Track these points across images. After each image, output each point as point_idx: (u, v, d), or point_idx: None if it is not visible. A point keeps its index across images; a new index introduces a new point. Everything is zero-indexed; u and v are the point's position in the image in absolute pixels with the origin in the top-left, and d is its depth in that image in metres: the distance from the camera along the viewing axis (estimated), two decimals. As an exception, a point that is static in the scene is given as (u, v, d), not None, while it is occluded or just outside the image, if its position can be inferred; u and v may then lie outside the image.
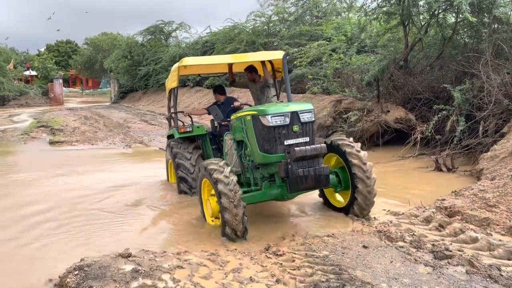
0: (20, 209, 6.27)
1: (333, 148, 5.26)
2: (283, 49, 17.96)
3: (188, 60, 6.01)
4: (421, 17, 11.30)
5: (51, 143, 12.48)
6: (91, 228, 5.35)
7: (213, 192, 4.76)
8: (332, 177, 5.17)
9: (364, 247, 4.16)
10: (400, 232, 4.52)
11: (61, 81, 37.40)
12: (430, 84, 10.49)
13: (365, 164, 5.03)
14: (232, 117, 5.53)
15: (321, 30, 18.13)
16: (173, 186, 6.99)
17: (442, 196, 5.55)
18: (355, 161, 5.03)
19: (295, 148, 4.51)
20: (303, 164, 4.55)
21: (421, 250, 4.04)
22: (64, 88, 52.90)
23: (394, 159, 9.13)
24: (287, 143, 4.66)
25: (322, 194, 5.81)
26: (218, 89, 7.09)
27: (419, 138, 9.33)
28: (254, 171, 5.21)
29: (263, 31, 20.75)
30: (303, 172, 4.52)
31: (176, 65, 6.36)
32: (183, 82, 26.11)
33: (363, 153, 5.13)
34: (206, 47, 25.13)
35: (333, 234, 4.61)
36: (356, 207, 5.14)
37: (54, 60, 64.06)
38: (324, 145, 4.74)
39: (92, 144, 12.17)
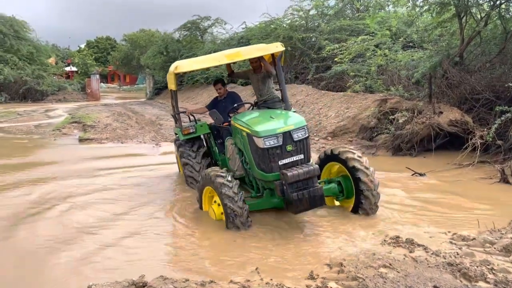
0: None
1: (335, 157, 5.36)
2: (322, 45, 17.08)
3: (182, 67, 5.95)
4: (480, 8, 10.15)
5: (80, 140, 12.12)
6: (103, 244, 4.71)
7: (215, 199, 5.08)
8: (333, 186, 5.36)
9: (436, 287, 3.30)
10: (477, 267, 3.61)
11: (98, 76, 37.78)
12: (490, 82, 9.32)
13: (368, 168, 5.10)
14: (232, 121, 5.54)
15: (363, 25, 17.06)
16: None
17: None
18: (358, 165, 5.09)
19: (288, 174, 4.58)
20: (298, 185, 4.63)
21: (510, 295, 3.15)
22: (102, 83, 54.01)
23: (450, 167, 8.08)
24: (282, 163, 4.76)
25: None
26: (219, 82, 6.95)
27: (478, 143, 8.24)
28: (255, 179, 5.31)
29: (301, 26, 19.83)
30: (297, 196, 4.58)
31: (171, 70, 6.19)
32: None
33: (364, 159, 5.22)
34: (242, 43, 24.42)
35: (390, 265, 3.75)
36: (361, 212, 5.20)
37: (93, 56, 65.45)
38: (317, 166, 4.80)
39: (122, 143, 11.71)
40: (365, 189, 5.08)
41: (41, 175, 7.93)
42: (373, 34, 15.31)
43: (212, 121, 6.38)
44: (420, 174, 7.44)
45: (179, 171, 7.83)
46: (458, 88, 9.76)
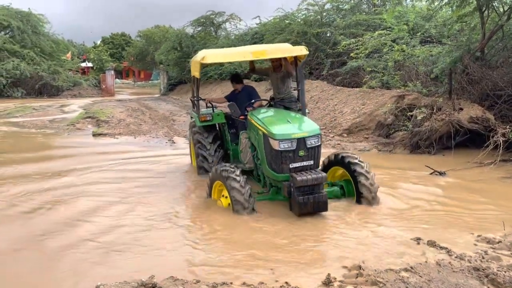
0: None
1: (338, 162, 5.64)
2: (338, 40, 16.80)
3: (208, 58, 5.95)
4: (502, 2, 9.79)
5: (94, 135, 12.11)
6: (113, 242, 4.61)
7: (223, 193, 5.33)
8: (336, 189, 5.63)
9: (461, 294, 3.11)
10: (505, 272, 3.40)
11: (112, 72, 37.93)
12: (514, 78, 8.99)
13: (368, 173, 5.36)
14: (248, 116, 5.77)
15: (380, 19, 16.72)
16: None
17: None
18: (359, 169, 5.35)
19: (297, 178, 4.80)
20: (304, 190, 4.86)
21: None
22: (117, 79, 54.29)
23: (470, 166, 7.80)
24: (292, 166, 5.00)
25: None
26: (235, 78, 7.26)
27: (500, 141, 7.94)
28: (263, 175, 5.60)
29: (316, 21, 19.52)
30: (303, 199, 4.84)
31: (197, 58, 6.22)
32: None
33: (366, 163, 5.47)
34: (256, 39, 24.23)
35: (411, 268, 3.57)
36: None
37: (108, 52, 65.89)
38: (325, 174, 5.03)
39: (135, 138, 11.66)
40: (365, 192, 5.32)
41: (46, 170, 7.90)
42: (389, 29, 14.98)
43: (228, 111, 6.68)
44: (440, 173, 7.18)
45: (191, 162, 7.98)
46: (479, 84, 9.43)
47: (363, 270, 3.53)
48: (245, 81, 7.72)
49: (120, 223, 5.08)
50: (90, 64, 61.39)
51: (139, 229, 4.86)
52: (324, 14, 19.71)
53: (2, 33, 32.86)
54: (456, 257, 3.83)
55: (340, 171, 5.74)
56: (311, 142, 5.05)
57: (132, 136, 11.80)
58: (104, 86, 35.85)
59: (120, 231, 4.83)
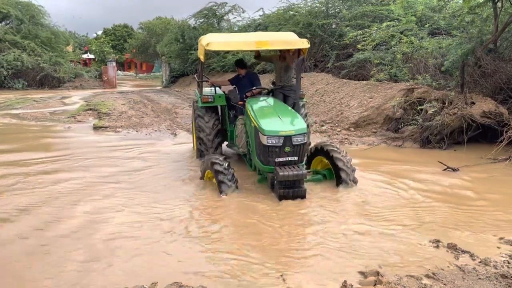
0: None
1: (321, 151, 6.12)
2: (344, 32, 16.44)
3: (212, 46, 6.15)
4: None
5: (95, 128, 11.82)
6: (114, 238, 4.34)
7: (213, 180, 5.78)
8: (320, 177, 6.14)
9: (491, 306, 2.86)
10: (536, 280, 3.15)
11: (114, 64, 37.55)
12: (528, 71, 8.69)
13: (345, 157, 5.84)
14: (246, 104, 6.18)
15: (387, 11, 16.33)
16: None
17: None
18: (336, 155, 5.81)
19: (280, 173, 5.19)
20: (286, 184, 5.28)
21: None
22: (118, 71, 53.93)
23: (484, 161, 7.54)
24: (278, 160, 5.42)
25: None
26: (239, 63, 7.63)
27: (515, 136, 7.67)
28: None
29: (321, 12, 19.12)
30: (283, 192, 5.29)
31: (203, 43, 6.39)
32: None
33: (343, 150, 5.98)
34: (259, 30, 23.87)
35: (434, 275, 3.32)
36: (343, 185, 5.77)
37: (110, 44, 65.46)
38: (306, 171, 5.43)
39: (137, 131, 11.39)
40: (343, 175, 5.74)
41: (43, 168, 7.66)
42: (397, 20, 14.62)
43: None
44: (453, 169, 6.90)
45: (193, 147, 8.32)
46: (493, 77, 9.13)
47: (382, 276, 3.28)
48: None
49: (120, 225, 4.82)
50: (92, 56, 61.04)
51: (138, 231, 4.60)
52: (330, 5, 19.31)
53: (3, 23, 32.52)
54: (480, 262, 3.58)
55: (324, 160, 6.15)
56: (297, 140, 5.42)
57: (134, 130, 11.52)
58: (105, 78, 35.50)
59: (120, 232, 4.57)
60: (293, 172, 5.19)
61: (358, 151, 8.62)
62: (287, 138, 5.34)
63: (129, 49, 60.80)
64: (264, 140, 5.35)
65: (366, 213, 4.94)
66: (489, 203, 5.36)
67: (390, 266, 3.54)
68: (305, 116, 7.21)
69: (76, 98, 22.18)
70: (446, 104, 9.10)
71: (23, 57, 29.33)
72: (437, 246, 3.95)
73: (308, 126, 6.50)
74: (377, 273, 3.34)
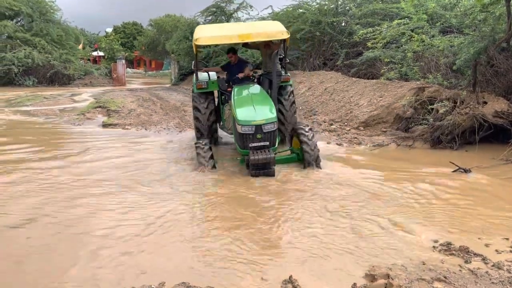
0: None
1: (295, 132, 6.94)
2: (353, 29, 16.30)
3: (201, 40, 7.30)
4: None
5: (104, 125, 11.88)
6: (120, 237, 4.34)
7: None
8: (294, 156, 7.03)
9: (505, 311, 2.79)
10: (551, 286, 3.08)
11: (123, 61, 37.69)
12: (542, 71, 8.53)
13: (310, 140, 6.63)
14: (232, 91, 7.29)
15: (397, 8, 16.16)
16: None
17: None
18: (302, 138, 6.63)
19: (251, 157, 6.15)
20: (258, 166, 6.21)
21: None
22: (128, 69, 54.10)
23: (496, 162, 7.42)
24: (252, 145, 6.38)
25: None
26: (231, 50, 8.45)
27: (528, 137, 7.53)
28: None
29: (331, 10, 18.99)
30: (255, 173, 6.26)
31: (194, 37, 7.51)
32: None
33: (310, 133, 6.73)
34: (269, 28, 23.78)
35: (445, 278, 3.26)
36: (306, 165, 6.63)
37: (120, 42, 65.73)
38: (274, 155, 6.29)
39: (146, 129, 11.41)
40: (306, 156, 6.56)
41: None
42: (407, 18, 14.45)
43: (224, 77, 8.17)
44: (465, 170, 6.79)
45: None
46: (505, 76, 8.98)
47: (392, 279, 3.22)
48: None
49: (126, 221, 4.82)
50: (101, 53, 61.34)
51: (146, 229, 4.59)
52: (340, 2, 19.17)
53: (14, 21, 32.76)
54: (492, 266, 3.51)
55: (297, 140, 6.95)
56: (267, 128, 6.36)
57: (143, 128, 11.54)
58: (115, 76, 35.64)
59: (126, 230, 4.57)
60: (263, 156, 6.11)
61: (367, 151, 8.54)
62: (258, 127, 6.30)
63: (138, 47, 61.00)
64: (239, 128, 6.36)
65: (374, 213, 4.88)
66: (501, 205, 5.27)
67: (398, 269, 3.48)
68: (291, 104, 8.13)
69: (85, 95, 22.30)
70: (458, 104, 8.98)
71: (33, 55, 29.54)
72: (449, 249, 3.88)
73: (295, 111, 8.17)
74: (388, 276, 3.29)
